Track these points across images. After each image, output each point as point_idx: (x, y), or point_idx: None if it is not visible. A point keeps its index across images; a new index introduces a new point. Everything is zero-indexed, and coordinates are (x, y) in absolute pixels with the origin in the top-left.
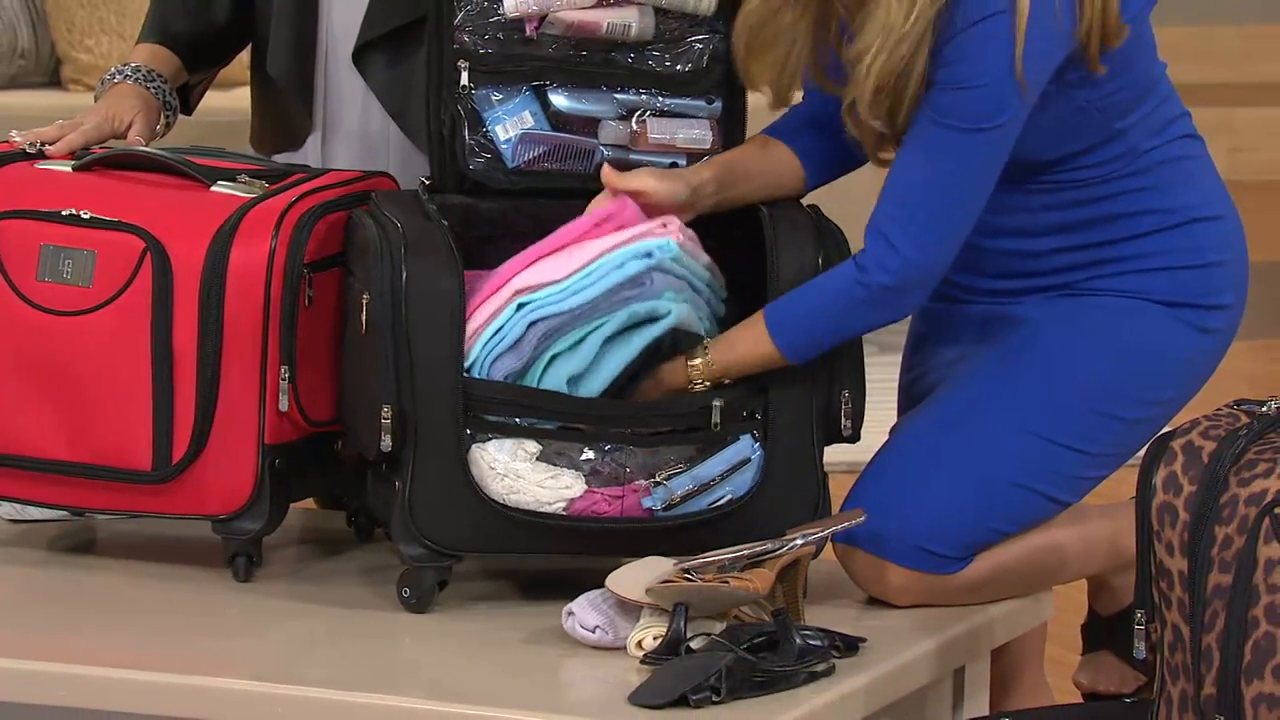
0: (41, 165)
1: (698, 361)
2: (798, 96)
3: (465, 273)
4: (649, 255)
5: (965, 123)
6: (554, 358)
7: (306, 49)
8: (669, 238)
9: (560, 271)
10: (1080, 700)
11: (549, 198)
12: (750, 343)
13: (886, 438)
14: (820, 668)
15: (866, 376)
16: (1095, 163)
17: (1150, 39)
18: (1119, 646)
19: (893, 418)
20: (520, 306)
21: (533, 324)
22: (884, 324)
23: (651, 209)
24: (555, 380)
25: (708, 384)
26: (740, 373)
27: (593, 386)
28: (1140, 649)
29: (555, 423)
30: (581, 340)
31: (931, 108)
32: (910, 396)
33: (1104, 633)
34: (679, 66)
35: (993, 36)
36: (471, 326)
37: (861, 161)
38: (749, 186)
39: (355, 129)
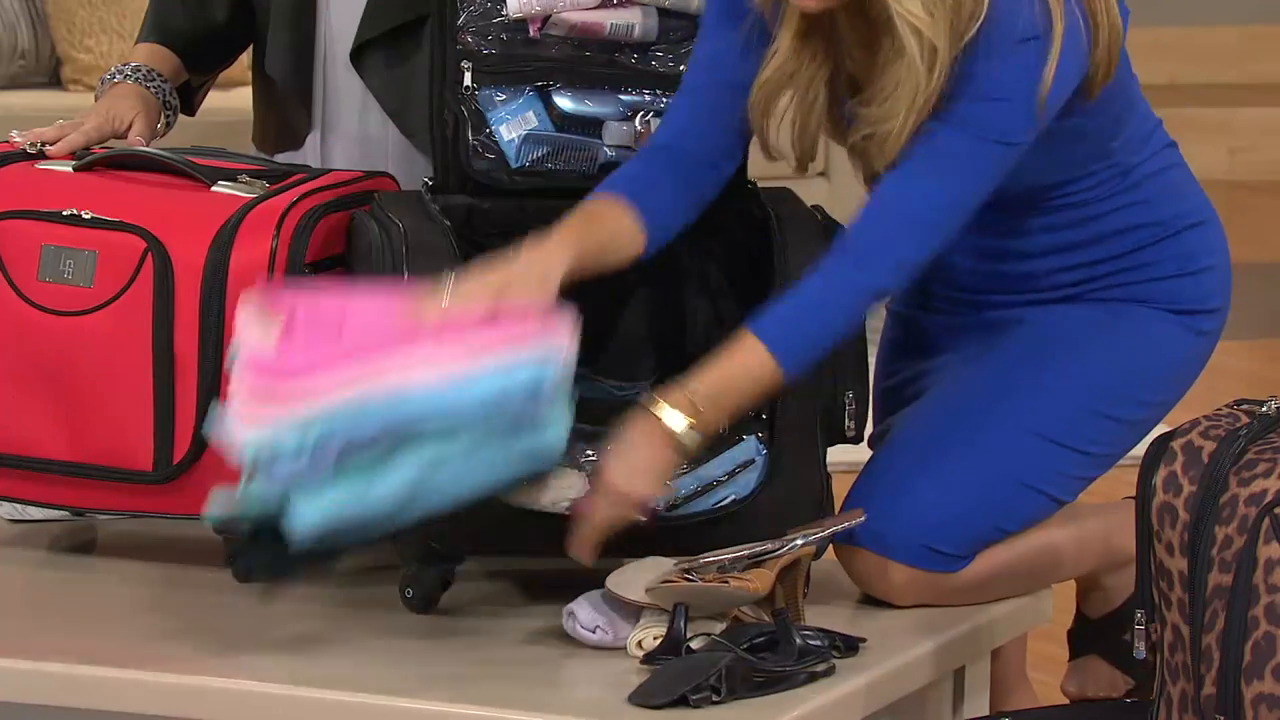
0: (42, 165)
1: (677, 405)
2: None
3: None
4: (543, 365)
5: (1000, 135)
6: (394, 455)
7: (304, 50)
8: (563, 347)
9: (437, 368)
10: None
11: (553, 198)
12: (748, 372)
13: (881, 440)
14: (820, 668)
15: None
16: (1090, 185)
17: (1126, 56)
18: (1108, 650)
19: None
20: (383, 400)
21: (388, 422)
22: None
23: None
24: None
25: (687, 428)
26: (725, 409)
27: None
28: (1140, 649)
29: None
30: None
31: (958, 120)
32: (890, 402)
33: (1092, 637)
34: (683, 67)
35: (1032, 54)
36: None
37: (700, 211)
38: (592, 269)
39: (354, 130)
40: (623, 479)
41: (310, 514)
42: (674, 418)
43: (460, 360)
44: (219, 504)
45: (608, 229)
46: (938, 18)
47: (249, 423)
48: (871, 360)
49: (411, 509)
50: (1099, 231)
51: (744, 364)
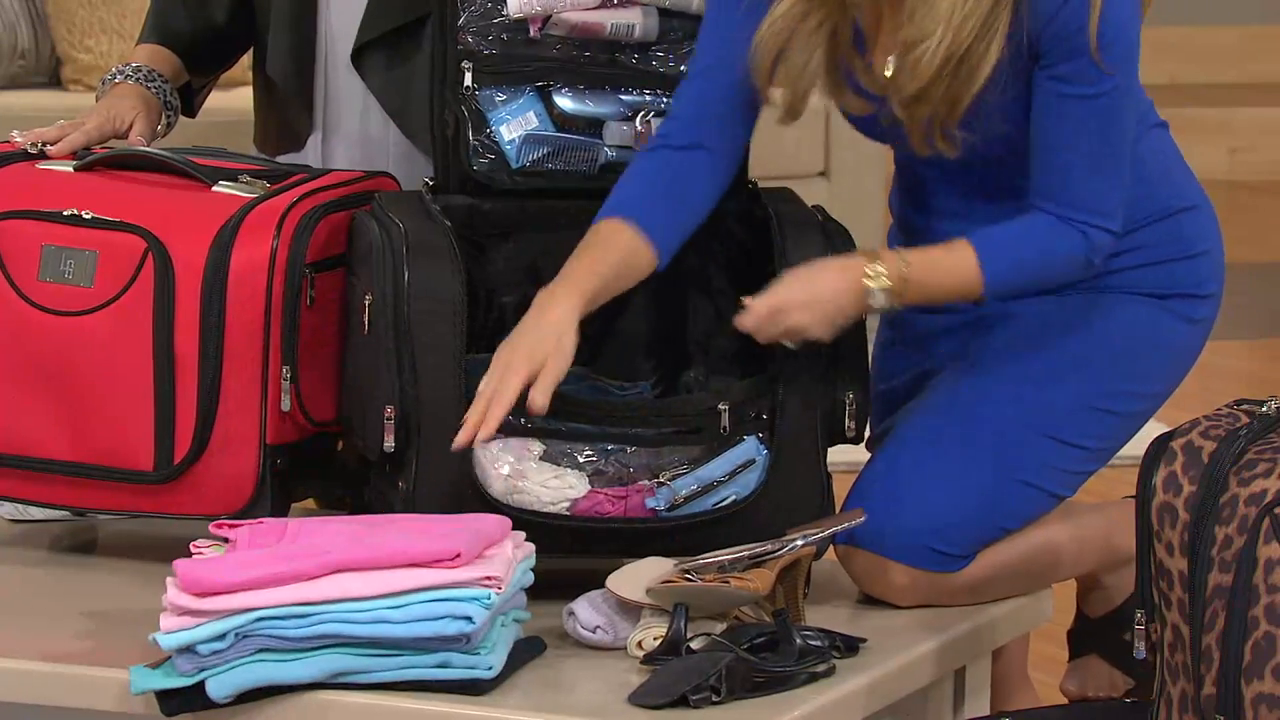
0: (43, 165)
1: (888, 269)
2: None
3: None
4: (469, 620)
5: (1109, 82)
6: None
7: (305, 51)
8: (491, 590)
9: (368, 589)
10: None
11: (553, 198)
12: (955, 271)
13: (881, 440)
14: (821, 668)
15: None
16: None
17: None
18: (1107, 650)
19: None
20: (311, 614)
21: (323, 635)
22: None
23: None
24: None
25: (889, 290)
26: (921, 296)
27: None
28: (1140, 649)
29: (559, 422)
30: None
31: (1073, 81)
32: (888, 404)
33: (1092, 636)
34: (683, 67)
35: None
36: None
37: (709, 208)
38: (607, 298)
39: (355, 130)
40: (795, 305)
41: (229, 682)
42: (879, 277)
43: (390, 585)
44: (141, 679)
45: (618, 258)
46: None
47: (178, 617)
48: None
49: (333, 680)
50: None
51: (955, 267)
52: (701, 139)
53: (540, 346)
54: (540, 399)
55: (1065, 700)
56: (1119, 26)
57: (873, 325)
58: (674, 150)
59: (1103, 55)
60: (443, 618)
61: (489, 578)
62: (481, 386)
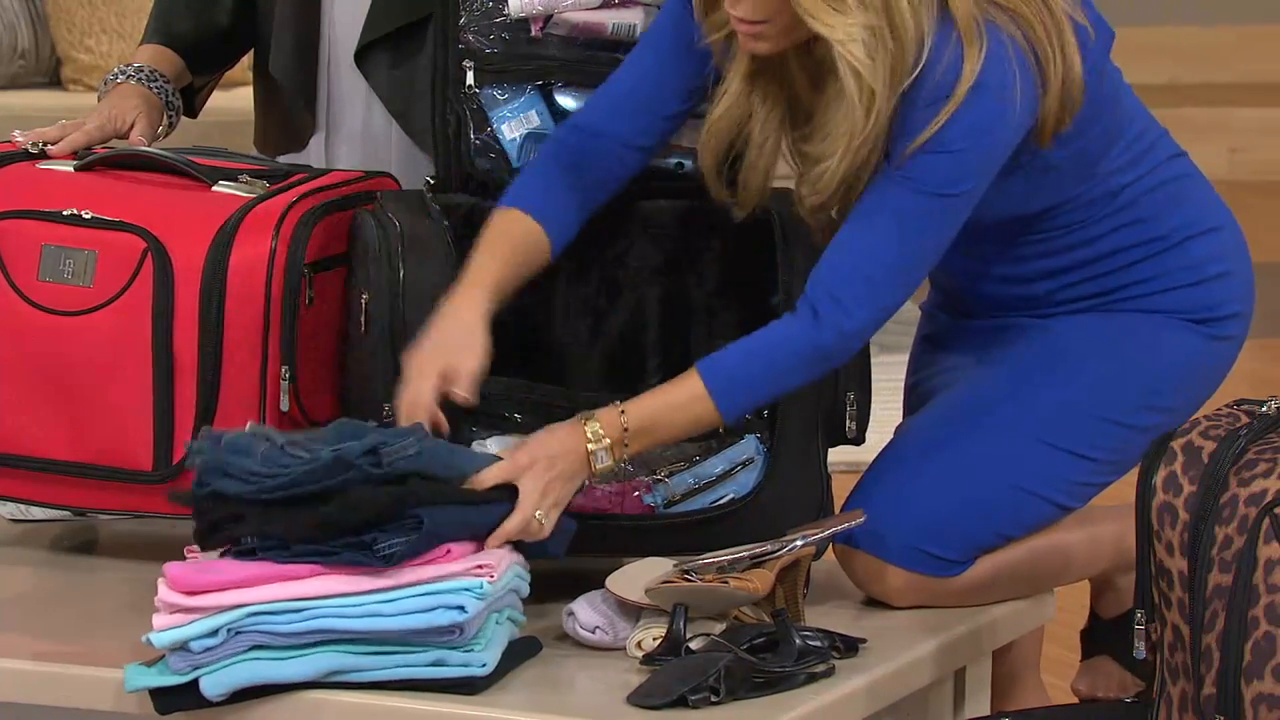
0: (43, 165)
1: (604, 427)
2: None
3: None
4: (461, 609)
5: (936, 188)
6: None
7: (308, 50)
8: (483, 580)
9: (360, 584)
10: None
11: None
12: (685, 408)
13: (891, 439)
14: (820, 668)
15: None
16: (1079, 210)
17: (1114, 77)
18: (1119, 651)
19: (894, 418)
20: (304, 609)
21: (315, 630)
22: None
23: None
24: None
25: (610, 448)
26: (652, 441)
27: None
28: (1140, 649)
29: (558, 418)
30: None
31: (903, 171)
32: (915, 399)
33: (1105, 637)
34: None
35: (968, 106)
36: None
37: (596, 209)
38: (511, 293)
39: (358, 129)
40: (523, 466)
41: (223, 680)
42: (599, 438)
43: (383, 579)
44: (135, 677)
45: (518, 252)
46: (878, 62)
47: (170, 615)
48: (876, 361)
49: (327, 679)
50: (1097, 252)
51: (684, 403)
52: (611, 128)
53: (448, 347)
54: (463, 395)
55: (1072, 700)
56: (949, 153)
57: (898, 328)
58: (582, 132)
59: (916, 162)
60: (435, 608)
61: (480, 566)
62: (396, 400)
